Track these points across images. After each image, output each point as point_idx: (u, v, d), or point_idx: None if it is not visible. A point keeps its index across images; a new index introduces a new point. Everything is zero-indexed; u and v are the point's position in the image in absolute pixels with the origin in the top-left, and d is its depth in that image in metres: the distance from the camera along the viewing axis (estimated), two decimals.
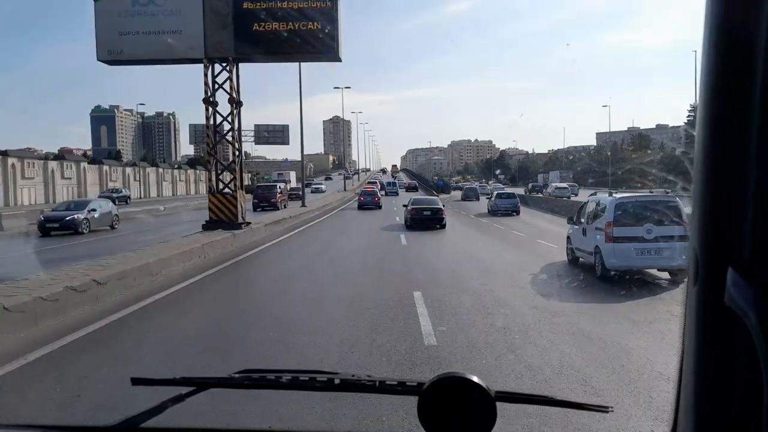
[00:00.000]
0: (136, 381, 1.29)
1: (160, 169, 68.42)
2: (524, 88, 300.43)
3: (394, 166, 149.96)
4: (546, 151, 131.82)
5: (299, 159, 40.29)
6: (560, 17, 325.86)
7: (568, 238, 11.75)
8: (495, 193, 32.01)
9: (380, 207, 34.84)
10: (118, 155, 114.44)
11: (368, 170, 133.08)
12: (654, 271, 9.70)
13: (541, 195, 44.02)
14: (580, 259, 10.96)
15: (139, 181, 63.46)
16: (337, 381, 1.23)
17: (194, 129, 57.33)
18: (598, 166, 67.47)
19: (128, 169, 62.12)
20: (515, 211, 27.71)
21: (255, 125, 50.06)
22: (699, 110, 0.65)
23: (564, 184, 47.56)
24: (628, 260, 9.21)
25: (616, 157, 68.95)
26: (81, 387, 4.39)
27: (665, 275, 9.51)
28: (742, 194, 0.60)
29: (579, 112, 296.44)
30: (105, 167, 59.69)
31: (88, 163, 58.91)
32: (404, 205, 23.93)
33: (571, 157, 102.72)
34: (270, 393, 1.97)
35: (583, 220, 10.91)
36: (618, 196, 10.90)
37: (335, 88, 74.57)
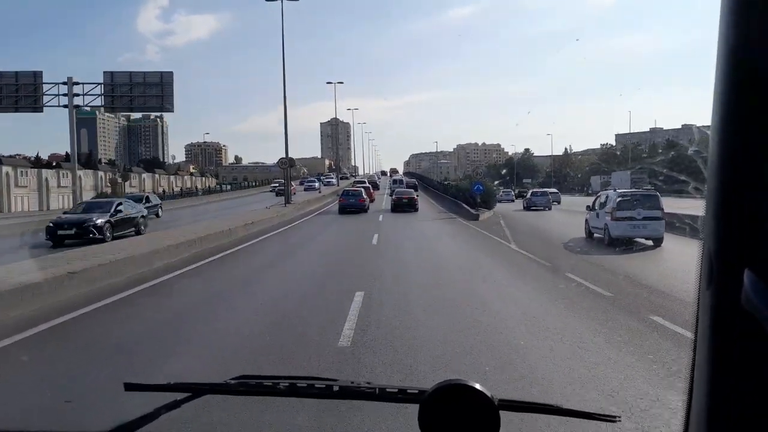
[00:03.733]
0: (129, 386, 1.30)
1: (156, 175, 69.62)
2: (532, 91, 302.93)
3: (393, 169, 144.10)
4: (560, 153, 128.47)
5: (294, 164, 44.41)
6: (569, 20, 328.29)
7: (586, 221, 17.53)
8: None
9: (366, 210, 29.45)
10: (111, 163, 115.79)
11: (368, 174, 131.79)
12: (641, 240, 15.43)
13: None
14: (595, 234, 16.77)
15: (136, 187, 65.83)
16: (335, 388, 1.25)
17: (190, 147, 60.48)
18: (607, 166, 70.63)
19: (171, 177, 74.23)
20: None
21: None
22: (713, 109, 0.66)
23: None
24: (625, 232, 15.15)
25: (626, 157, 70.17)
26: None
27: (649, 242, 15.17)
28: (760, 193, 0.60)
29: (592, 114, 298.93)
30: (100, 173, 61.80)
31: (85, 168, 61.36)
32: (388, 195, 36.20)
33: (579, 157, 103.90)
34: (266, 400, 2.07)
35: (596, 208, 16.68)
36: (619, 191, 16.92)
37: (328, 83, 70.77)
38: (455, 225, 23.61)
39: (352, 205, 29.32)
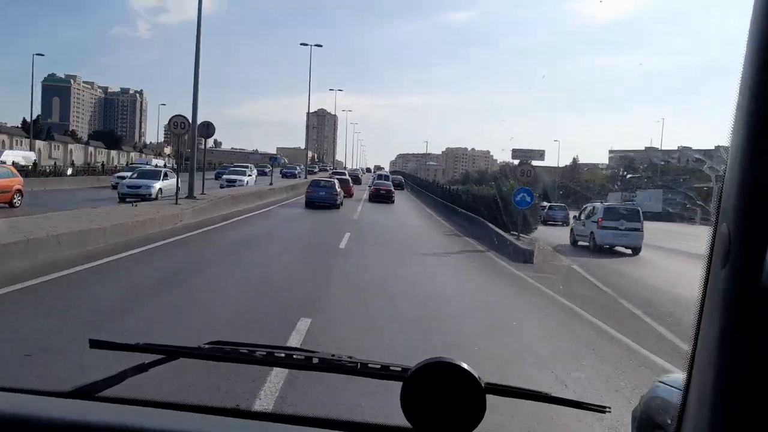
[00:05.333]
0: (94, 343, 1.21)
1: (144, 155, 67.10)
2: (523, 101, 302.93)
3: (378, 166, 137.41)
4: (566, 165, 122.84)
5: (273, 152, 34.88)
6: (564, 32, 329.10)
7: (572, 229, 20.50)
8: None
9: (338, 206, 24.81)
10: (73, 134, 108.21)
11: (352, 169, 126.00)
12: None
13: None
14: (579, 242, 19.25)
15: (125, 163, 62.43)
16: (315, 360, 1.19)
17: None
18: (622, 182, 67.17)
19: (112, 152, 65.09)
20: None
21: None
22: (741, 87, 0.65)
23: None
24: (609, 240, 17.81)
25: (655, 171, 67.35)
26: None
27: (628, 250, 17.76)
28: None
29: (587, 127, 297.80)
30: (90, 148, 61.26)
31: (74, 142, 63.40)
32: (368, 186, 38.26)
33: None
34: (239, 368, 2.03)
35: (583, 218, 19.58)
36: (606, 204, 20.18)
37: (330, 89, 79.37)
38: (492, 273, 12.20)
39: (321, 198, 24.47)
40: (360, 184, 50.14)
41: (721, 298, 0.65)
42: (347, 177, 38.47)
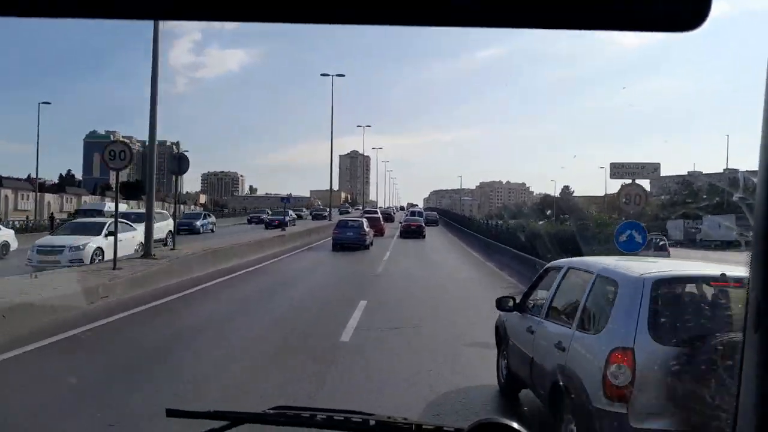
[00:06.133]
0: (170, 413, 1.37)
1: (165, 203, 67.19)
2: (555, 133, 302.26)
3: (411, 203, 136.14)
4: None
5: (307, 195, 32.46)
6: (593, 67, 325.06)
7: None
8: None
9: (367, 246, 23.81)
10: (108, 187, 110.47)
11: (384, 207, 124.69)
12: None
13: None
14: None
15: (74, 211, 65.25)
16: (372, 422, 1.27)
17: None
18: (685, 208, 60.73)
19: (132, 202, 66.90)
20: None
21: None
22: (761, 154, 0.66)
23: None
24: None
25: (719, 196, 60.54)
26: None
27: None
28: None
29: (620, 157, 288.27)
30: (107, 200, 62.97)
31: (91, 194, 62.79)
32: (400, 222, 40.05)
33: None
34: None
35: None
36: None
37: (358, 126, 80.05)
38: None
39: (349, 239, 23.27)
40: (393, 221, 51.08)
41: (755, 360, 0.69)
42: (378, 215, 38.23)
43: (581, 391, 3.61)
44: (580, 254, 12.76)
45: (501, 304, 5.47)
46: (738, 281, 3.42)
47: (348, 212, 62.29)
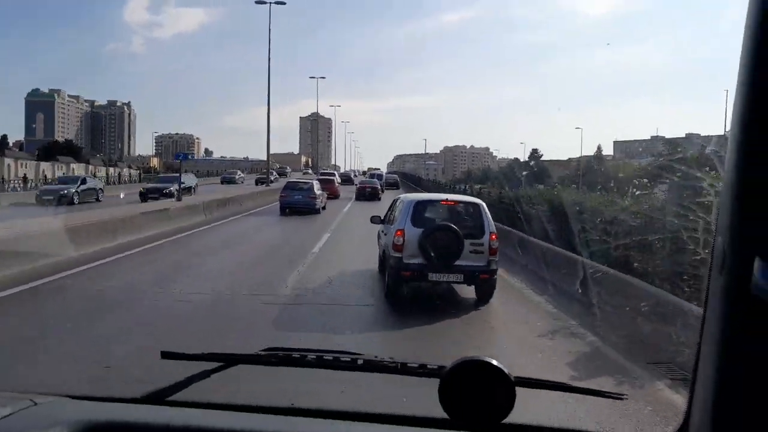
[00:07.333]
0: (165, 354, 1.41)
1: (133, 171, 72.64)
2: (519, 97, 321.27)
3: (371, 168, 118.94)
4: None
5: (263, 159, 43.95)
6: (559, 30, 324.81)
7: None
8: None
9: (319, 210, 22.40)
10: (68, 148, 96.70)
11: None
12: None
13: None
14: None
15: (126, 180, 62.68)
16: (360, 361, 1.36)
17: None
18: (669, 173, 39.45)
19: (110, 169, 73.77)
20: None
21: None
22: (734, 111, 0.70)
23: None
24: None
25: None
26: None
27: None
28: None
29: (585, 123, 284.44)
30: (91, 166, 71.37)
31: (76, 162, 72.70)
32: (355, 185, 40.21)
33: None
34: (292, 371, 1.87)
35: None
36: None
37: (310, 77, 74.30)
38: None
39: (297, 203, 22.02)
40: (353, 184, 47.43)
41: (717, 304, 0.71)
42: (333, 178, 38.14)
43: (386, 249, 8.51)
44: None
45: (372, 220, 10.16)
46: (453, 201, 8.78)
47: (285, 175, 57.25)
